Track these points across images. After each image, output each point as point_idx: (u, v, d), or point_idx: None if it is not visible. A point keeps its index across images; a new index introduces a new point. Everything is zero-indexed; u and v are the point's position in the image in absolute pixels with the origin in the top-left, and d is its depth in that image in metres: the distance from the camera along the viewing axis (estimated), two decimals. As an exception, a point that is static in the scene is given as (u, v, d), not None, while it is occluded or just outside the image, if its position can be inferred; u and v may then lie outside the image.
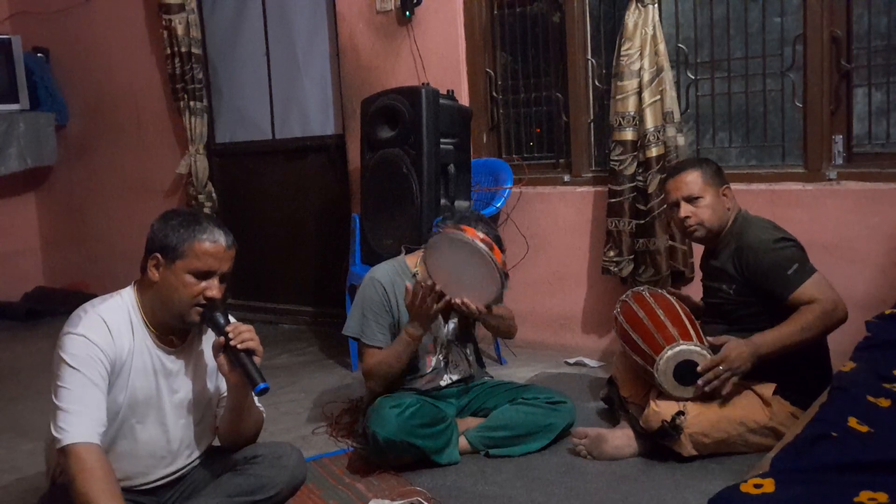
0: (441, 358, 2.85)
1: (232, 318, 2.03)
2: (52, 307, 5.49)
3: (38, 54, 5.86)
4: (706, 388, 2.51)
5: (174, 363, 2.05)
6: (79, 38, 5.74)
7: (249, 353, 1.97)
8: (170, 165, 5.27)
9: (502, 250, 2.74)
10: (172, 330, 2.04)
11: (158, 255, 1.96)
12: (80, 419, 1.85)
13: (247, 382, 1.98)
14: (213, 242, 1.95)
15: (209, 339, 2.06)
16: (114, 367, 1.93)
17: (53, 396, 1.88)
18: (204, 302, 1.97)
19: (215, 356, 2.00)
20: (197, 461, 2.18)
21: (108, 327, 1.94)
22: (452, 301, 2.58)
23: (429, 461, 2.67)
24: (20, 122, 5.62)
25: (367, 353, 2.80)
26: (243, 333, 1.97)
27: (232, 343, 1.95)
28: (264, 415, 2.21)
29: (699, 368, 2.50)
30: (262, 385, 1.93)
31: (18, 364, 4.46)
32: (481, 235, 2.55)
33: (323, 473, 2.69)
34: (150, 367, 2.01)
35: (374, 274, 2.84)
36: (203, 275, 1.95)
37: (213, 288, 1.97)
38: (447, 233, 2.58)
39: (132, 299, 2.02)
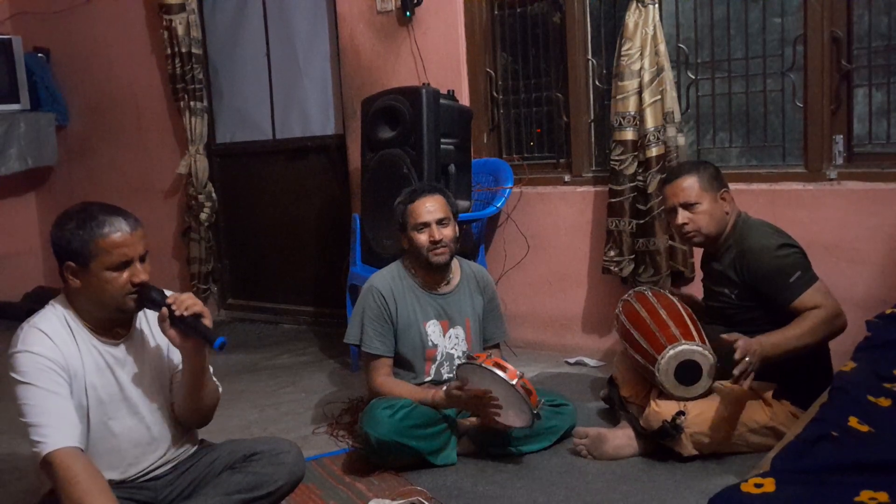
0: (442, 371, 2.86)
1: (167, 291, 2.02)
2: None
3: (39, 54, 5.85)
4: (741, 378, 2.43)
5: (125, 353, 2.04)
6: (79, 38, 5.74)
7: (197, 316, 1.96)
8: (170, 166, 5.27)
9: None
10: (113, 323, 2.02)
11: (71, 263, 1.93)
12: (51, 429, 1.84)
13: (203, 347, 1.98)
14: (118, 232, 1.92)
15: (153, 318, 2.05)
16: (67, 373, 1.92)
17: (20, 417, 1.88)
18: (134, 288, 1.95)
19: (164, 331, 1.99)
20: (188, 443, 2.18)
21: (49, 336, 1.92)
22: (488, 420, 2.61)
23: (427, 461, 2.66)
24: (21, 122, 5.62)
25: (374, 368, 2.82)
26: (186, 300, 1.96)
27: (177, 313, 1.94)
28: (220, 389, 2.19)
29: (737, 355, 2.44)
30: (220, 339, 1.92)
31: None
32: (519, 374, 2.56)
33: (323, 473, 2.69)
34: (102, 365, 2.00)
35: (372, 283, 2.87)
36: (121, 266, 1.93)
37: (138, 273, 1.95)
38: (488, 367, 2.56)
39: (64, 307, 1.99)
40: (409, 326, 2.82)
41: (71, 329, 1.97)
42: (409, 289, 2.86)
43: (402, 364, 2.85)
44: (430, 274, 2.86)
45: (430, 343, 2.85)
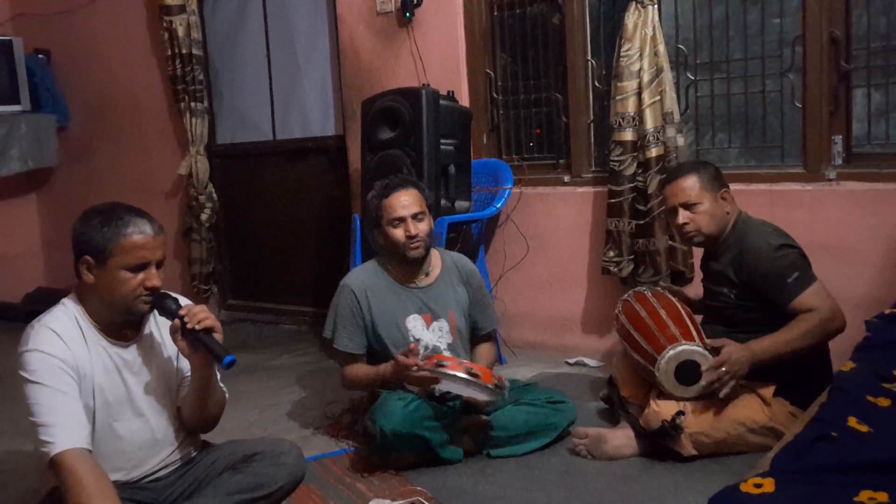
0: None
1: (183, 300, 2.03)
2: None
3: (40, 56, 5.86)
4: (707, 390, 2.52)
5: (134, 355, 2.05)
6: (80, 39, 5.74)
7: (209, 331, 1.97)
8: (171, 167, 5.28)
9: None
10: (123, 325, 2.03)
11: (88, 258, 1.94)
12: (60, 429, 1.84)
13: (212, 360, 1.98)
14: (141, 234, 1.94)
15: (163, 321, 2.06)
16: (77, 373, 1.92)
17: (28, 416, 1.88)
18: (146, 293, 1.96)
19: (174, 341, 2.00)
20: (191, 446, 2.18)
21: (59, 336, 1.93)
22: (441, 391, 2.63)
23: (430, 460, 2.67)
24: (21, 123, 5.62)
25: (343, 363, 2.88)
26: (198, 314, 1.96)
27: (189, 325, 1.95)
28: (227, 395, 2.21)
29: (703, 368, 2.50)
30: (228, 358, 1.93)
31: (19, 365, 4.46)
32: (465, 365, 2.56)
33: (323, 474, 2.70)
34: (111, 367, 2.00)
35: (346, 280, 2.88)
36: (138, 268, 1.94)
37: (152, 277, 1.96)
38: (434, 370, 2.55)
39: (75, 306, 2.00)
40: (387, 323, 2.82)
41: (81, 329, 1.98)
42: (386, 285, 2.85)
43: (385, 360, 2.84)
44: (407, 268, 2.86)
45: (412, 338, 2.83)
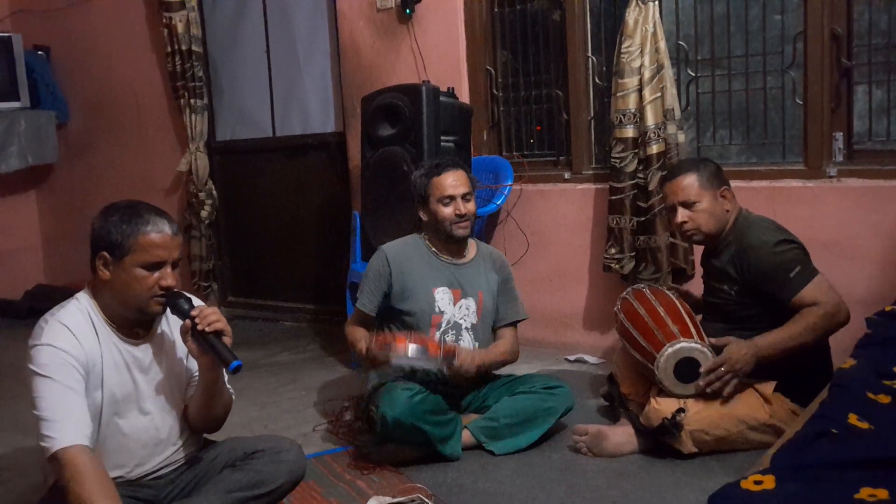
0: (447, 339, 2.84)
1: (196, 301, 2.03)
2: (53, 305, 5.45)
3: (39, 52, 5.85)
4: (707, 389, 2.52)
5: (144, 354, 2.05)
6: (79, 36, 5.74)
7: (218, 334, 1.97)
8: (170, 163, 5.28)
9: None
10: (135, 323, 2.03)
11: (105, 254, 1.95)
12: (63, 425, 1.84)
13: (219, 363, 1.98)
14: (159, 233, 1.95)
15: (175, 321, 2.06)
16: (86, 369, 1.93)
17: (33, 409, 1.88)
18: (160, 292, 1.96)
19: (184, 341, 2.00)
20: (193, 445, 2.18)
21: (72, 332, 1.93)
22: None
23: (430, 455, 2.68)
24: (21, 119, 5.62)
25: (353, 315, 2.94)
26: (209, 316, 1.97)
27: (199, 327, 1.95)
28: (233, 397, 2.21)
29: (702, 369, 2.50)
30: (235, 363, 1.93)
31: (20, 362, 4.43)
32: (408, 342, 2.65)
33: (324, 471, 2.70)
34: (121, 364, 2.00)
35: (383, 245, 2.95)
36: (154, 266, 1.95)
37: (167, 277, 1.96)
38: (379, 355, 2.66)
39: (89, 301, 2.01)
40: (415, 290, 2.84)
41: (93, 324, 1.98)
42: (422, 255, 2.90)
43: (413, 328, 2.85)
44: (448, 246, 2.91)
45: (436, 309, 2.86)
